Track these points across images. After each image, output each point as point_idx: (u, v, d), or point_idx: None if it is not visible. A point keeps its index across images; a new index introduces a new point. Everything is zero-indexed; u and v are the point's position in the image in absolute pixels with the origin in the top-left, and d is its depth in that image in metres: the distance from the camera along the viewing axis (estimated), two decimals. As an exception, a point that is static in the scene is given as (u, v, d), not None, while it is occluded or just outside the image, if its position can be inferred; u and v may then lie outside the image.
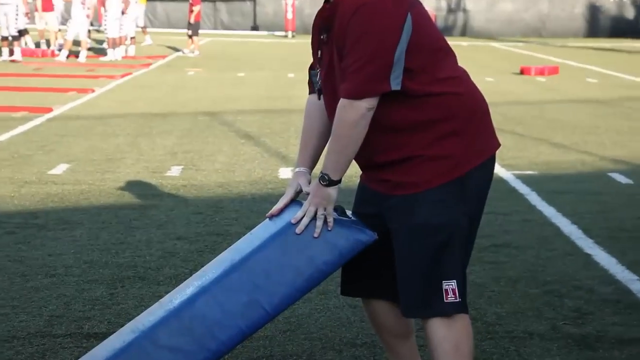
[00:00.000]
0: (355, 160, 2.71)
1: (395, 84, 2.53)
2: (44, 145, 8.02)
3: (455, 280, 2.62)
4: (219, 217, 5.63)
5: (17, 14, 16.74)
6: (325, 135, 2.79)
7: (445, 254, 2.61)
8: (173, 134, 8.82)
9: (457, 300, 2.62)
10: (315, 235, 2.64)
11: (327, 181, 2.62)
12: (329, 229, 2.64)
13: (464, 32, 31.95)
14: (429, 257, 2.61)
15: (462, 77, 2.68)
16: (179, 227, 5.34)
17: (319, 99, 2.76)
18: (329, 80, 2.66)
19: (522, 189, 6.61)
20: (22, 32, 17.07)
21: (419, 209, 2.60)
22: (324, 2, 2.67)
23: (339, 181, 2.65)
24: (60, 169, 6.99)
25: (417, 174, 2.61)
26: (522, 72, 16.35)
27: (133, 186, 6.45)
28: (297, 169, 2.81)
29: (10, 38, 16.73)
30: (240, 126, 9.46)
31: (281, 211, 2.76)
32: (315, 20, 2.71)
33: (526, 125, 9.88)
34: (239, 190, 6.43)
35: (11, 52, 16.83)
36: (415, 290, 2.64)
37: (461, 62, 2.75)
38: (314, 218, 2.65)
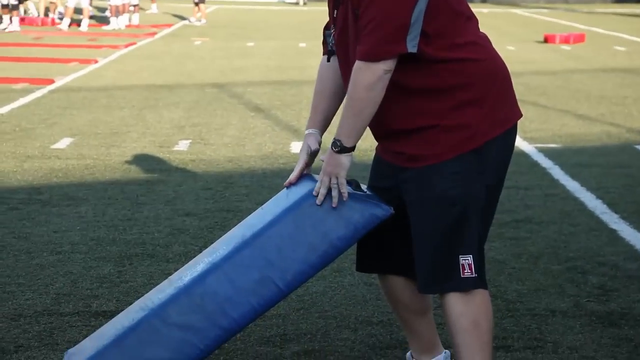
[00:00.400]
0: (370, 127, 2.73)
1: (412, 46, 2.54)
2: (47, 118, 8.09)
3: (471, 255, 2.66)
4: (229, 192, 5.69)
5: None
6: (337, 97, 2.83)
7: (461, 227, 2.64)
8: (180, 107, 8.87)
9: (474, 275, 2.66)
10: (334, 205, 2.67)
11: (339, 147, 2.64)
12: (344, 199, 2.67)
13: (485, -2, 31.73)
14: (444, 231, 2.65)
15: (483, 43, 2.69)
16: (188, 203, 5.41)
17: (328, 60, 2.79)
18: (343, 41, 2.68)
19: (545, 162, 6.64)
20: (20, 1, 17.09)
21: (435, 182, 2.64)
22: None
23: (353, 148, 2.66)
24: (63, 142, 7.06)
25: (432, 145, 2.63)
26: (545, 40, 16.29)
27: (139, 161, 6.52)
28: (307, 131, 2.84)
29: (10, 6, 16.76)
30: (250, 98, 9.50)
31: (298, 179, 2.79)
32: None
33: (550, 95, 9.88)
34: (250, 165, 6.48)
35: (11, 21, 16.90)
36: (430, 265, 2.68)
37: (482, 30, 2.76)
38: (330, 188, 2.68)
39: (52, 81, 10.27)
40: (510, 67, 2.85)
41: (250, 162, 6.59)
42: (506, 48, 14.95)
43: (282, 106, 9.03)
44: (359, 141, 2.68)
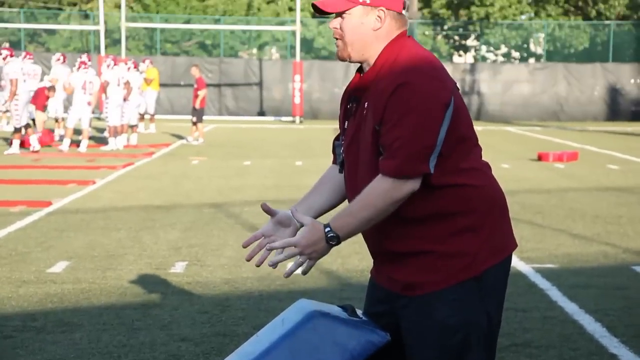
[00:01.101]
0: (367, 243, 2.76)
1: (432, 167, 2.59)
2: (43, 241, 8.11)
3: None
4: (226, 316, 5.67)
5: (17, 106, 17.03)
6: (332, 197, 2.88)
7: (463, 356, 2.63)
8: (177, 227, 8.92)
9: None
10: (270, 258, 2.70)
11: (335, 239, 2.64)
12: (302, 271, 2.67)
13: (479, 116, 32.34)
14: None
15: (485, 170, 2.74)
16: (184, 328, 5.38)
17: (341, 171, 2.83)
18: (352, 152, 2.72)
19: (542, 283, 6.64)
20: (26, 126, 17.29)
21: (434, 310, 2.63)
22: (357, 72, 2.77)
23: (339, 243, 2.66)
24: (59, 266, 7.07)
25: (430, 273, 2.64)
26: (539, 158, 16.51)
27: (135, 284, 6.51)
28: (292, 208, 2.82)
29: (23, 130, 16.98)
30: (247, 218, 9.55)
31: (255, 238, 2.85)
32: (346, 90, 2.79)
33: (545, 214, 9.95)
34: (246, 287, 6.47)
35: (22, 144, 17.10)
36: None
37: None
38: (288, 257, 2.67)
39: (49, 203, 10.34)
40: (504, 185, 2.90)
41: (247, 283, 6.59)
42: (500, 166, 15.15)
43: (278, 227, 9.05)
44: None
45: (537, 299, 6.20)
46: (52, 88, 18.67)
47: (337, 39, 2.72)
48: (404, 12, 2.73)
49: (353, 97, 2.74)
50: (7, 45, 33.84)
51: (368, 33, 2.68)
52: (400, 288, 2.69)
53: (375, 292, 2.81)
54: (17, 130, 16.92)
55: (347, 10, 2.68)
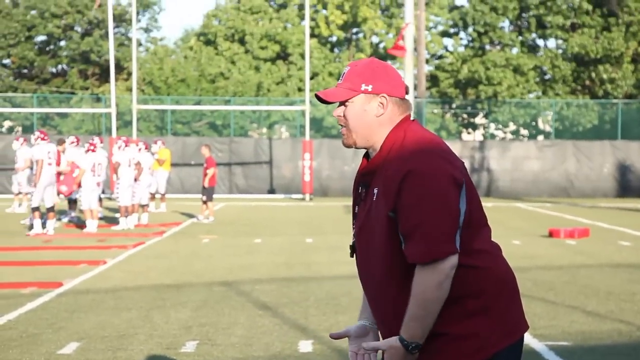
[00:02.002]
0: (379, 328, 2.76)
1: (458, 245, 2.61)
2: (54, 322, 8.10)
3: None
4: (237, 397, 5.62)
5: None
6: None
7: None
8: (187, 306, 8.90)
9: None
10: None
11: (417, 347, 2.61)
12: None
13: (489, 193, 32.40)
14: None
15: (494, 251, 2.75)
16: (195, 409, 5.33)
17: (352, 256, 2.83)
18: (363, 238, 2.74)
19: (556, 361, 6.57)
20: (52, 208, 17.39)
21: None
22: (364, 157, 2.81)
23: (420, 345, 2.63)
24: (70, 347, 7.04)
25: (440, 355, 2.63)
26: (550, 234, 16.47)
27: (146, 364, 6.48)
28: (360, 321, 2.86)
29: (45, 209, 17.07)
30: (258, 296, 9.53)
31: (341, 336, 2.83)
32: (356, 177, 2.82)
33: (557, 291, 9.89)
34: (257, 367, 6.43)
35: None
36: None
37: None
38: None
39: (60, 284, 10.34)
40: (515, 262, 2.93)
41: (257, 364, 6.55)
42: (511, 242, 15.11)
43: (289, 303, 9.05)
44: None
45: (551, 377, 6.13)
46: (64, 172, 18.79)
47: (342, 126, 2.77)
48: (407, 96, 2.78)
49: (362, 182, 2.77)
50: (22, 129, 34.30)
51: (371, 120, 2.72)
52: None
53: None
54: (35, 209, 17.02)
55: (349, 99, 2.73)
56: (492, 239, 2.80)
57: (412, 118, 2.80)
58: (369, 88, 2.72)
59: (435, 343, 2.65)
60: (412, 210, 2.57)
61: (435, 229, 2.56)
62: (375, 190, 2.68)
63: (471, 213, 2.67)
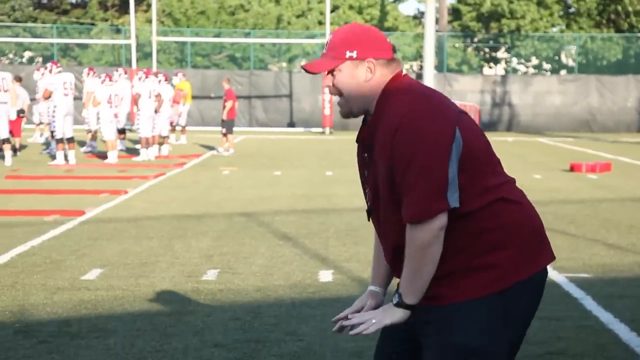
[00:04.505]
0: (390, 266, 2.75)
1: (454, 201, 2.56)
2: (77, 249, 8.18)
3: None
4: (258, 322, 5.68)
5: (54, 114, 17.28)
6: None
7: None
8: (208, 236, 8.95)
9: None
10: (351, 333, 2.64)
11: (398, 301, 2.63)
12: (366, 332, 2.63)
13: (510, 127, 32.20)
14: None
15: (511, 187, 2.71)
16: (217, 334, 5.39)
17: (369, 219, 2.81)
18: (377, 200, 2.71)
19: (576, 292, 6.58)
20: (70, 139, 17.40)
21: (457, 326, 2.59)
22: (362, 121, 2.76)
23: (411, 307, 2.63)
24: (93, 274, 7.12)
25: (457, 284, 2.61)
26: (572, 168, 16.39)
27: (168, 291, 6.55)
28: (370, 287, 2.88)
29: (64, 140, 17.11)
30: (278, 227, 9.57)
31: (342, 319, 2.80)
32: (358, 139, 2.78)
33: (578, 224, 9.87)
34: (278, 295, 6.48)
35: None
36: None
37: (507, 159, 2.82)
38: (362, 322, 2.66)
39: (82, 213, 10.42)
40: (537, 196, 2.92)
41: (278, 291, 6.60)
42: (532, 177, 15.06)
43: (309, 234, 9.08)
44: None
45: (571, 308, 6.15)
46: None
47: (338, 96, 2.73)
48: (395, 55, 2.73)
49: (366, 146, 2.73)
50: (41, 60, 34.32)
51: (362, 85, 2.68)
52: (425, 299, 2.64)
53: None
54: (58, 141, 17.08)
55: (335, 67, 2.69)
56: (508, 174, 2.77)
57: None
58: (354, 54, 2.67)
59: (454, 277, 2.62)
60: (403, 172, 2.55)
61: (421, 190, 2.53)
62: (376, 151, 2.66)
63: (477, 152, 2.63)
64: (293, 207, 11.21)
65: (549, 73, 36.02)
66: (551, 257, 2.74)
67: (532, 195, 2.80)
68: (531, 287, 2.65)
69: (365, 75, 2.68)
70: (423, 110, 2.58)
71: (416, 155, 2.54)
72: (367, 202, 2.79)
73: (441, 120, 2.59)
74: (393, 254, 2.73)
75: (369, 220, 2.82)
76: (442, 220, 2.55)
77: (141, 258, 7.79)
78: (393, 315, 2.63)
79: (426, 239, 2.55)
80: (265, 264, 7.57)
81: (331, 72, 2.70)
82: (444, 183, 2.53)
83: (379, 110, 2.67)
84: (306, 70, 2.69)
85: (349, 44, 2.68)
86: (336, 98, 2.75)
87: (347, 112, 2.73)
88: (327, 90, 24.13)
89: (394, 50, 2.74)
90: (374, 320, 2.63)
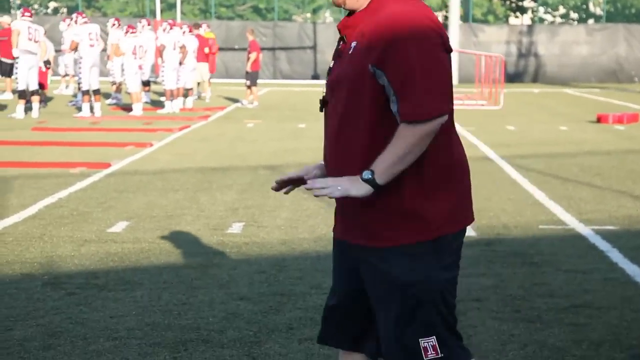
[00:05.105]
0: (327, 162, 2.80)
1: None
2: (103, 202, 8.23)
3: (434, 337, 2.67)
4: (283, 276, 5.70)
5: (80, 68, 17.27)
6: None
7: (419, 311, 2.65)
8: (233, 189, 8.97)
9: (439, 356, 2.66)
10: (315, 194, 2.65)
11: (369, 179, 2.60)
12: (326, 196, 2.64)
13: (536, 78, 31.87)
14: (400, 315, 2.66)
15: (453, 136, 2.74)
16: (242, 287, 5.42)
17: (321, 110, 2.81)
18: (336, 91, 2.70)
19: (603, 245, 6.54)
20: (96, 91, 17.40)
21: (391, 266, 2.66)
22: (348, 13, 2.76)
23: (379, 187, 2.61)
24: (119, 226, 7.16)
25: (393, 227, 2.66)
26: (598, 120, 16.22)
27: (194, 244, 6.58)
28: (321, 162, 2.89)
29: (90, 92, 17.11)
30: (303, 180, 9.54)
31: (284, 182, 2.93)
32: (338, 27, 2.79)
33: (605, 176, 9.78)
34: (303, 248, 6.49)
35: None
36: (394, 347, 2.69)
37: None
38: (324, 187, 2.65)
39: (108, 165, 10.47)
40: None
41: (303, 244, 6.61)
42: (558, 128, 14.91)
43: (334, 188, 9.05)
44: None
45: (597, 260, 6.11)
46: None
47: None
48: None
49: (341, 36, 2.74)
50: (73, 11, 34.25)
51: None
52: (364, 237, 2.70)
53: (341, 249, 2.84)
54: (85, 92, 17.11)
55: None
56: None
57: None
58: None
59: (390, 215, 2.65)
60: (408, 70, 2.55)
61: (434, 87, 2.57)
62: (354, 44, 2.65)
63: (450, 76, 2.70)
64: (318, 160, 11.16)
65: (576, 22, 35.51)
66: (472, 218, 2.79)
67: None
68: (456, 239, 2.73)
69: None
70: (427, 18, 2.62)
71: (426, 55, 2.56)
72: (324, 92, 2.80)
73: (444, 32, 2.67)
74: (335, 149, 2.74)
75: (321, 110, 2.81)
76: (443, 119, 2.60)
77: (167, 211, 7.82)
78: (359, 189, 2.61)
79: (425, 134, 2.58)
80: (290, 217, 7.57)
81: None
82: (450, 85, 2.63)
83: (373, 6, 2.67)
84: None
85: None
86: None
87: (339, 3, 2.73)
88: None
89: None
90: (339, 187, 2.63)
